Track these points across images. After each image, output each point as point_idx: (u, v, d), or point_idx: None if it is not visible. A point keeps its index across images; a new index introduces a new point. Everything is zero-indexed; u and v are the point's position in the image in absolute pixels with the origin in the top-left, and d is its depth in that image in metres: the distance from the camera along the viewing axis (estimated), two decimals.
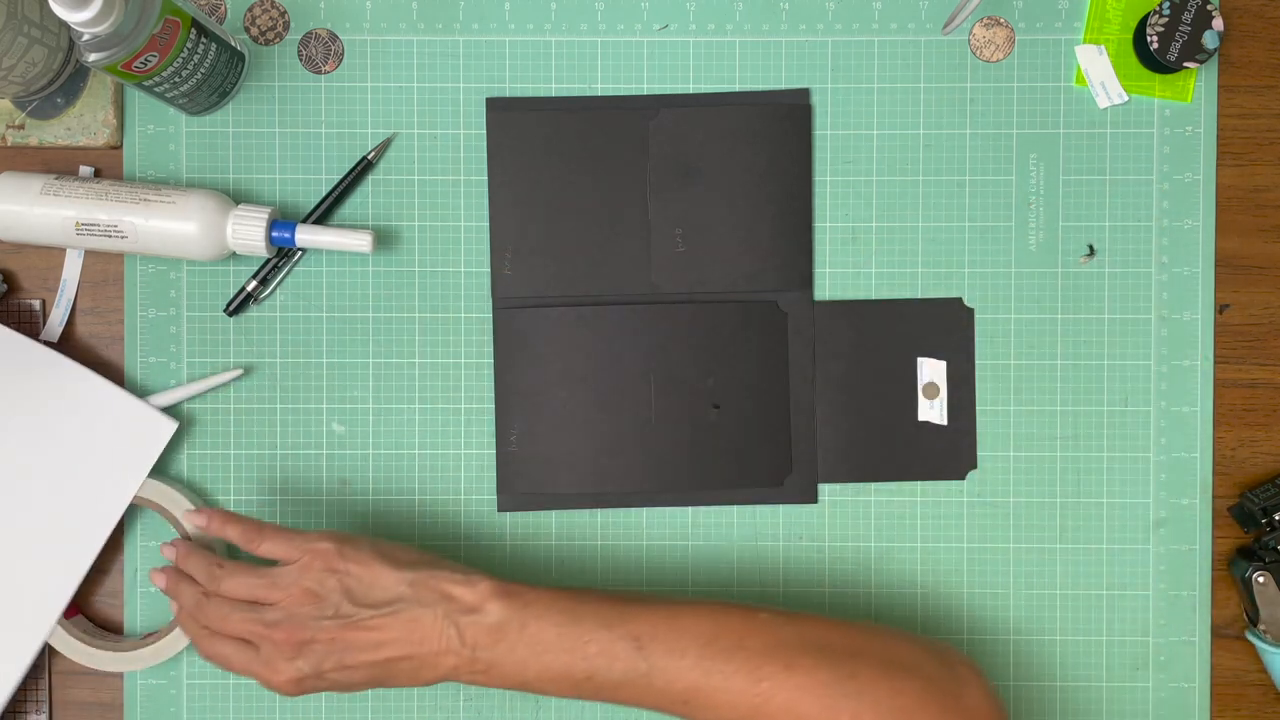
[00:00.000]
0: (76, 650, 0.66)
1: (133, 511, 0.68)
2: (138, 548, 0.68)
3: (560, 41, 0.69)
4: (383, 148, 0.69)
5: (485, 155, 0.69)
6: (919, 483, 0.69)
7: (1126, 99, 0.69)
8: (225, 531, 0.61)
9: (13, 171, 0.66)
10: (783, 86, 0.69)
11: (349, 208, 0.69)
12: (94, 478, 0.66)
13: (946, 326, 0.69)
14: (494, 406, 0.69)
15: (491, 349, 0.69)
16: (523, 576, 0.69)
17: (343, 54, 0.69)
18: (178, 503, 0.66)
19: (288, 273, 0.69)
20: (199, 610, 0.60)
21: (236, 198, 0.69)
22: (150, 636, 0.67)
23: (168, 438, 0.67)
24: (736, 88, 0.69)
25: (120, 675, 0.68)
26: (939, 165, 0.69)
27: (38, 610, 0.66)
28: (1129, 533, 0.69)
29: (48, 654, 0.68)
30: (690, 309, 0.69)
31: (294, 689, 0.59)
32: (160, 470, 0.68)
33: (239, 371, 0.68)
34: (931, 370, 0.69)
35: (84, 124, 0.68)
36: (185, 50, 0.61)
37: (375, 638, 0.58)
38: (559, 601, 0.59)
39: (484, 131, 0.69)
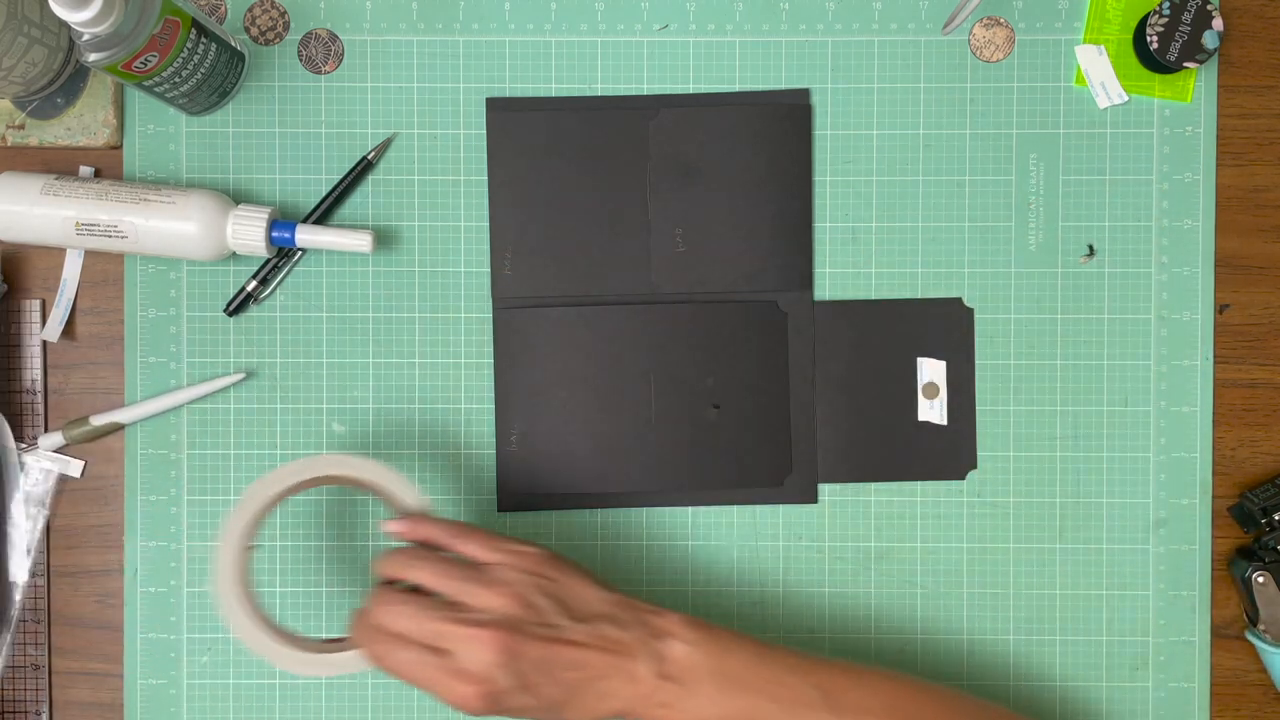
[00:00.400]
0: (265, 646, 0.59)
1: (132, 513, 0.68)
2: (138, 548, 0.68)
3: (560, 41, 0.69)
4: (383, 148, 0.69)
5: (485, 155, 0.69)
6: (919, 483, 0.69)
7: (1126, 99, 0.69)
8: (423, 532, 0.57)
9: (13, 171, 0.66)
10: (783, 86, 0.69)
11: (349, 208, 0.69)
12: None
13: (946, 326, 0.69)
14: (494, 406, 0.69)
15: (491, 349, 0.69)
16: None
17: (343, 54, 0.69)
18: (401, 487, 0.61)
19: (288, 273, 0.69)
20: (382, 604, 0.55)
21: (236, 198, 0.69)
22: (338, 641, 0.60)
23: None
24: (736, 88, 0.69)
25: (120, 675, 0.68)
26: (939, 165, 0.69)
27: None
28: (1129, 533, 0.69)
29: (49, 653, 0.68)
30: (690, 309, 0.69)
31: (480, 704, 0.53)
32: (161, 467, 0.68)
33: (241, 375, 0.68)
34: (931, 370, 0.69)
35: (84, 124, 0.68)
36: (185, 50, 0.61)
37: (580, 656, 0.54)
38: (747, 639, 0.57)
39: (484, 131, 0.69)
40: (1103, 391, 0.69)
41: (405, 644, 0.54)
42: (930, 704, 0.58)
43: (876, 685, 0.57)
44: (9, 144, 0.68)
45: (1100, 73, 0.69)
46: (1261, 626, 0.68)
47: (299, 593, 0.68)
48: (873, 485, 0.69)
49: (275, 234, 0.66)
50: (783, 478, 0.69)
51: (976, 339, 0.69)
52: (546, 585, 0.55)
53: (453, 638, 0.53)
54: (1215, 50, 0.66)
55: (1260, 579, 0.67)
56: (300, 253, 0.69)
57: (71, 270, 0.69)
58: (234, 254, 0.67)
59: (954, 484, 0.69)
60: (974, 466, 0.69)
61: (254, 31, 0.69)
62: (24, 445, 0.68)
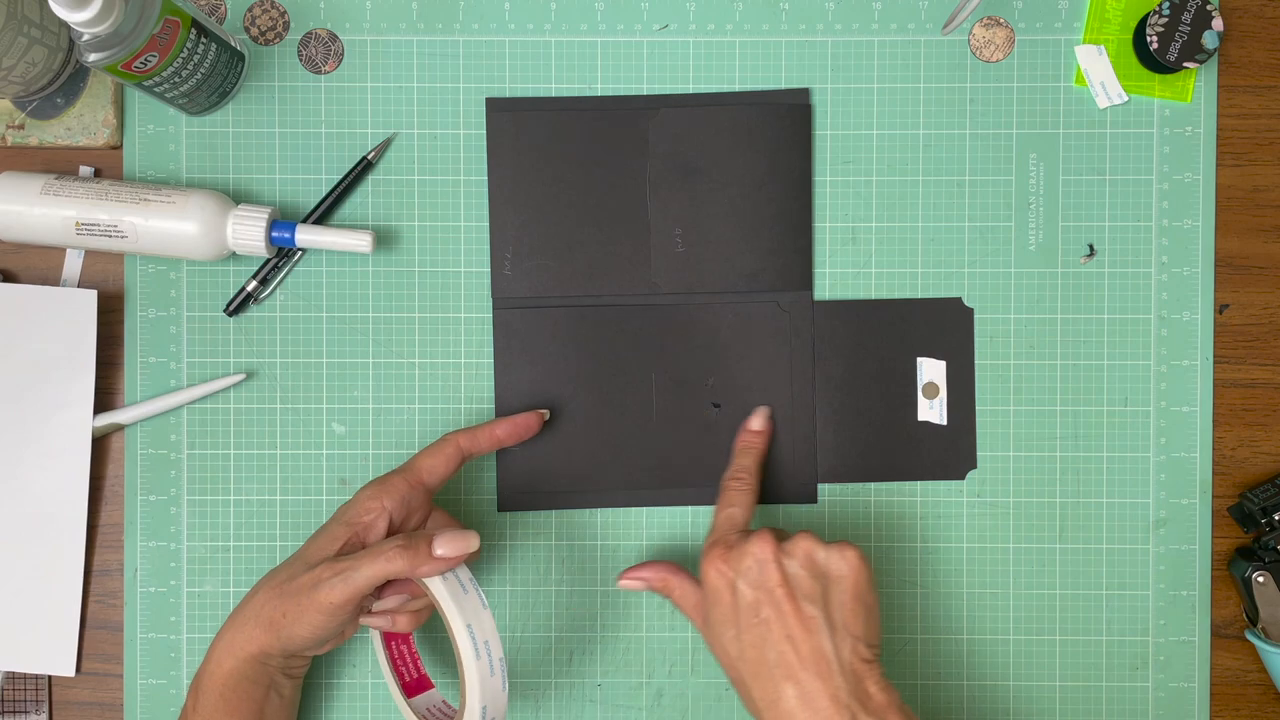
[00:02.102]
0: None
1: (132, 513, 0.68)
2: (137, 548, 0.68)
3: (560, 41, 0.69)
4: (383, 148, 0.69)
5: (485, 155, 0.69)
6: (919, 483, 0.69)
7: (1126, 99, 0.69)
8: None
9: (13, 171, 0.66)
10: (783, 86, 0.69)
11: (349, 208, 0.69)
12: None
13: (946, 326, 0.69)
14: (494, 406, 0.69)
15: (491, 349, 0.69)
16: (523, 576, 0.69)
17: (343, 54, 0.69)
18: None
19: (288, 273, 0.69)
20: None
21: (236, 198, 0.69)
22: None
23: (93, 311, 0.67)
24: (736, 88, 0.69)
25: (120, 675, 0.68)
26: (939, 165, 0.69)
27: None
28: (1129, 533, 0.69)
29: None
30: (690, 309, 0.69)
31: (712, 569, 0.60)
32: (161, 467, 0.68)
33: (241, 376, 0.68)
34: (931, 370, 0.69)
35: (84, 124, 0.68)
36: (185, 50, 0.61)
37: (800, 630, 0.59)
38: None
39: (484, 131, 0.69)
40: (1103, 391, 0.69)
41: None
42: None
43: None
44: (9, 144, 0.68)
45: (1100, 73, 0.69)
46: (1261, 626, 0.68)
47: None
48: (873, 485, 0.69)
49: (275, 234, 0.66)
50: (782, 478, 0.69)
51: (976, 339, 0.69)
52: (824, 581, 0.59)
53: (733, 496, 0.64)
54: (1215, 50, 0.66)
55: (1260, 579, 0.67)
56: (300, 253, 0.69)
57: (71, 270, 0.69)
58: (234, 254, 0.67)
59: (954, 484, 0.69)
60: (974, 466, 0.69)
61: (254, 31, 0.69)
62: None
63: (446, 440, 0.63)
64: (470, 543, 0.58)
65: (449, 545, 0.57)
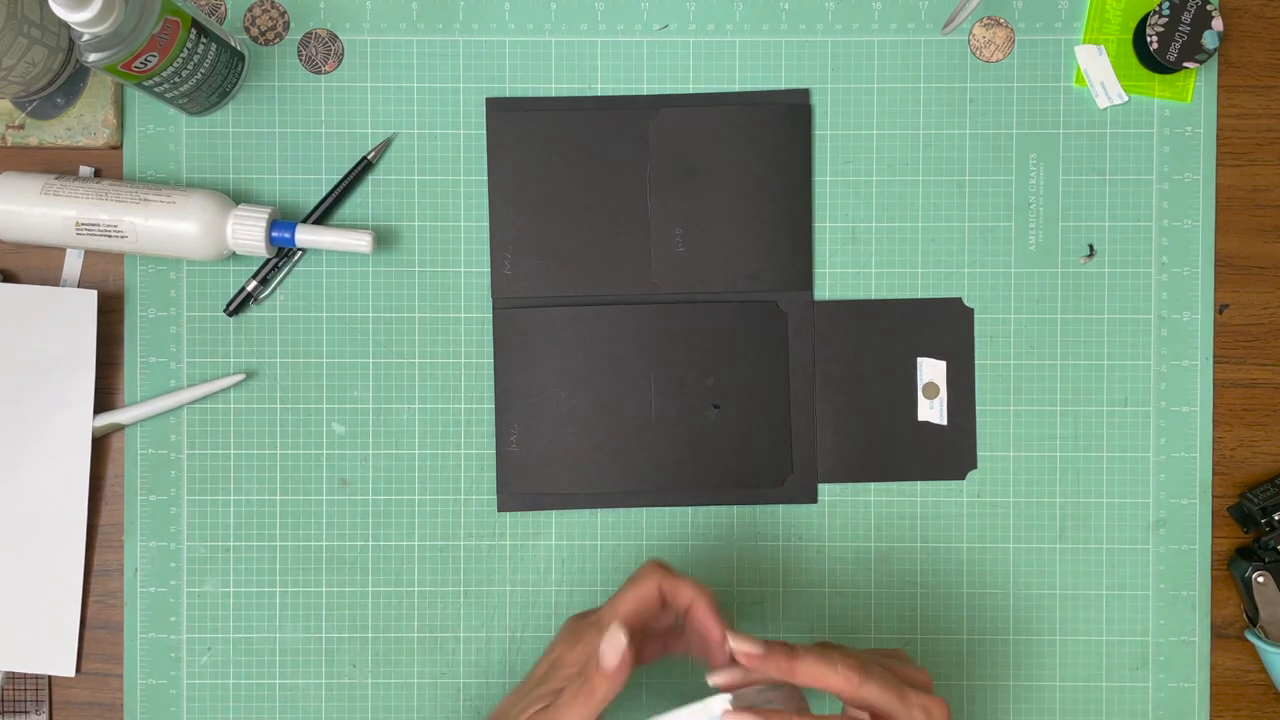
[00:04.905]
0: None
1: (132, 513, 0.68)
2: (137, 548, 0.68)
3: (560, 41, 0.69)
4: (383, 148, 0.69)
5: (485, 155, 0.69)
6: (919, 483, 0.69)
7: (1126, 99, 0.69)
8: (827, 680, 0.53)
9: (13, 171, 0.66)
10: (783, 86, 0.69)
11: (349, 208, 0.69)
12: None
13: (946, 326, 0.69)
14: (494, 406, 0.69)
15: (491, 349, 0.69)
16: (523, 576, 0.69)
17: (343, 54, 0.69)
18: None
19: (288, 273, 0.69)
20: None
21: (236, 198, 0.69)
22: None
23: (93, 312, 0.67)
24: (736, 88, 0.69)
25: (120, 675, 0.68)
26: (939, 165, 0.69)
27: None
28: (1129, 533, 0.69)
29: None
30: (690, 309, 0.69)
31: None
32: (161, 467, 0.68)
33: (241, 376, 0.68)
34: (931, 370, 0.69)
35: (84, 124, 0.68)
36: (185, 50, 0.61)
37: None
38: None
39: (484, 131, 0.69)
40: (1103, 391, 0.69)
41: None
42: None
43: None
44: (9, 144, 0.68)
45: (1100, 73, 0.69)
46: (1261, 626, 0.68)
47: (299, 593, 0.68)
48: (873, 485, 0.69)
49: (275, 234, 0.66)
50: (783, 478, 0.69)
51: (976, 339, 0.69)
52: None
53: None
54: (1215, 50, 0.66)
55: (1260, 579, 0.67)
56: (300, 253, 0.69)
57: (71, 270, 0.69)
58: (234, 254, 0.67)
59: (954, 484, 0.69)
60: (974, 466, 0.69)
61: (254, 31, 0.69)
62: None
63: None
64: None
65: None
